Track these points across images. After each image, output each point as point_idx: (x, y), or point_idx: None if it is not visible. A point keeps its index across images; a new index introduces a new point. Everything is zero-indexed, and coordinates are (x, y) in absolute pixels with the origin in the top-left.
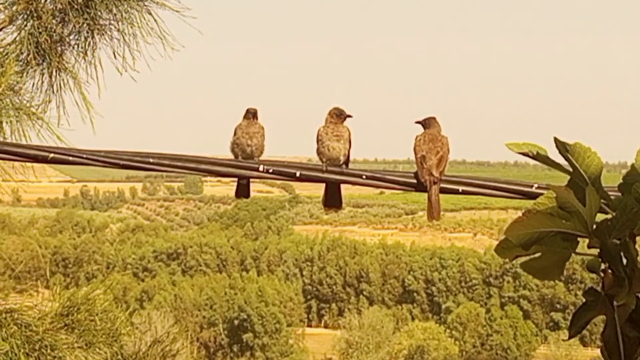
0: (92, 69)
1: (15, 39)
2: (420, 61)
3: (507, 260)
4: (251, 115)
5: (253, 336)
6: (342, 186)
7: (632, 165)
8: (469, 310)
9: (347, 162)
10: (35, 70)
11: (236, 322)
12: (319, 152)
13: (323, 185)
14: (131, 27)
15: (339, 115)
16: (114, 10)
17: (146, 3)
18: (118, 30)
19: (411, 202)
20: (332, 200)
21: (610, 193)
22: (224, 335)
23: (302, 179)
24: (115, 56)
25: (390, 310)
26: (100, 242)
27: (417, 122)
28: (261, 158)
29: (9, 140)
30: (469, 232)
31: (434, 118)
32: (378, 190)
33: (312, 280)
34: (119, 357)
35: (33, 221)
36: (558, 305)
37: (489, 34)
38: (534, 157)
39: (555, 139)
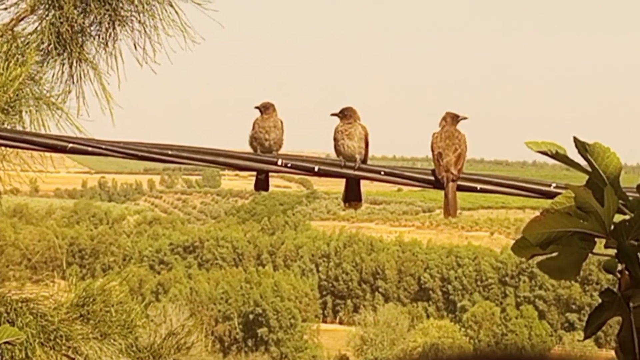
0: (113, 60)
1: (36, 28)
2: (440, 58)
3: (523, 259)
4: (263, 109)
5: (268, 331)
6: (360, 183)
7: None
8: (484, 309)
9: (364, 160)
10: (55, 60)
11: (251, 316)
12: (335, 151)
13: (341, 181)
14: (152, 19)
15: (345, 115)
16: (136, 2)
17: None
18: (139, 21)
19: (429, 200)
20: (352, 196)
21: (628, 194)
22: (239, 329)
23: (321, 173)
24: (136, 48)
25: (406, 308)
26: (117, 233)
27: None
28: (280, 152)
29: (28, 130)
30: (486, 231)
31: (450, 114)
32: (396, 188)
33: (328, 276)
34: (134, 348)
35: (50, 212)
36: (573, 306)
37: (509, 31)
38: (553, 156)
39: (575, 139)
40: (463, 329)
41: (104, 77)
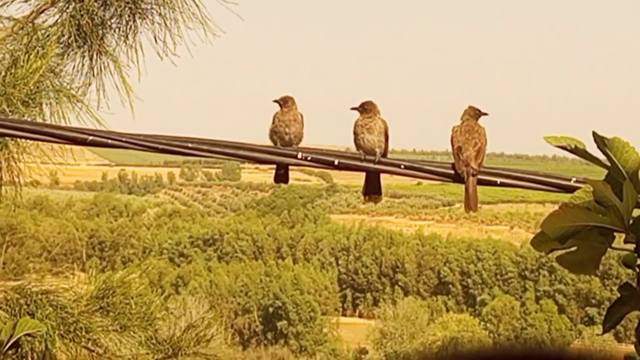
0: (133, 52)
1: (57, 21)
2: (460, 52)
3: (543, 254)
4: (282, 103)
5: (287, 324)
6: (380, 176)
7: None
8: (504, 303)
9: (384, 154)
10: (76, 53)
11: (271, 309)
12: (355, 145)
13: (361, 174)
14: (173, 12)
15: (365, 109)
16: None
17: None
18: (160, 14)
19: (448, 194)
20: (373, 189)
21: None
22: (259, 322)
23: (340, 167)
24: (156, 40)
25: (425, 302)
26: (137, 226)
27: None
28: (300, 146)
29: (48, 122)
30: (505, 225)
31: (471, 108)
32: (416, 181)
33: (347, 270)
34: (154, 341)
35: (70, 204)
36: (593, 300)
37: (531, 27)
38: (571, 151)
39: (594, 133)
40: (482, 323)
41: (124, 70)
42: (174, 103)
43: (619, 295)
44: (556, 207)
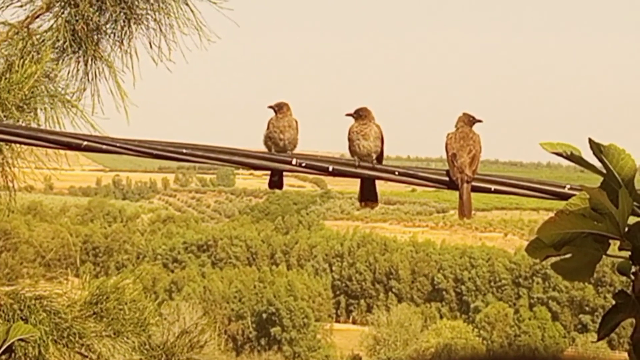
0: (128, 58)
1: (51, 26)
2: (456, 58)
3: (537, 261)
4: (277, 109)
5: (281, 330)
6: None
7: None
8: (498, 310)
9: (379, 160)
10: (71, 58)
11: (264, 315)
12: (350, 151)
13: (355, 181)
14: (168, 18)
15: (360, 115)
16: (151, 0)
17: None
18: (155, 20)
19: (443, 201)
20: (368, 195)
21: None
22: (252, 328)
23: (335, 173)
24: (151, 46)
25: (419, 308)
26: (131, 232)
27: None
28: (294, 152)
29: (43, 127)
30: (499, 232)
31: (466, 115)
32: (410, 188)
33: (341, 276)
34: (147, 346)
35: (64, 209)
36: (587, 308)
37: (526, 32)
38: (567, 158)
39: (590, 140)
40: (476, 330)
41: (119, 75)
42: (169, 109)
43: (613, 302)
44: (550, 214)
